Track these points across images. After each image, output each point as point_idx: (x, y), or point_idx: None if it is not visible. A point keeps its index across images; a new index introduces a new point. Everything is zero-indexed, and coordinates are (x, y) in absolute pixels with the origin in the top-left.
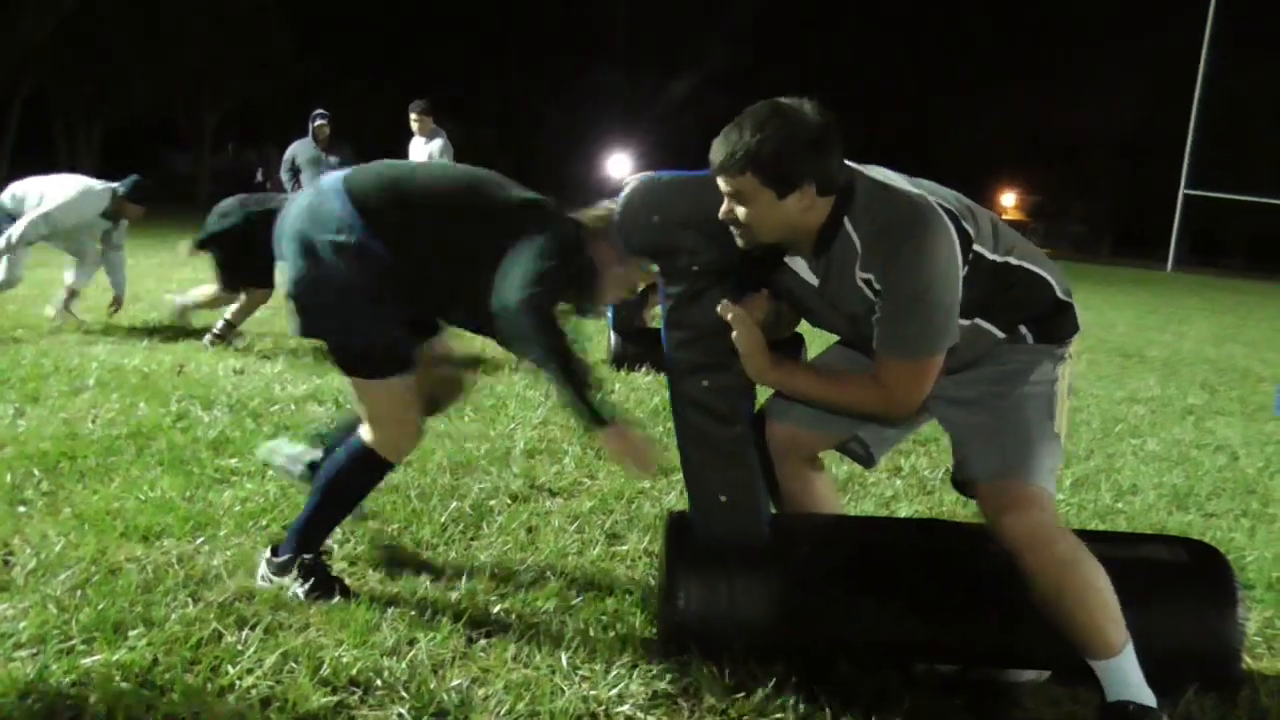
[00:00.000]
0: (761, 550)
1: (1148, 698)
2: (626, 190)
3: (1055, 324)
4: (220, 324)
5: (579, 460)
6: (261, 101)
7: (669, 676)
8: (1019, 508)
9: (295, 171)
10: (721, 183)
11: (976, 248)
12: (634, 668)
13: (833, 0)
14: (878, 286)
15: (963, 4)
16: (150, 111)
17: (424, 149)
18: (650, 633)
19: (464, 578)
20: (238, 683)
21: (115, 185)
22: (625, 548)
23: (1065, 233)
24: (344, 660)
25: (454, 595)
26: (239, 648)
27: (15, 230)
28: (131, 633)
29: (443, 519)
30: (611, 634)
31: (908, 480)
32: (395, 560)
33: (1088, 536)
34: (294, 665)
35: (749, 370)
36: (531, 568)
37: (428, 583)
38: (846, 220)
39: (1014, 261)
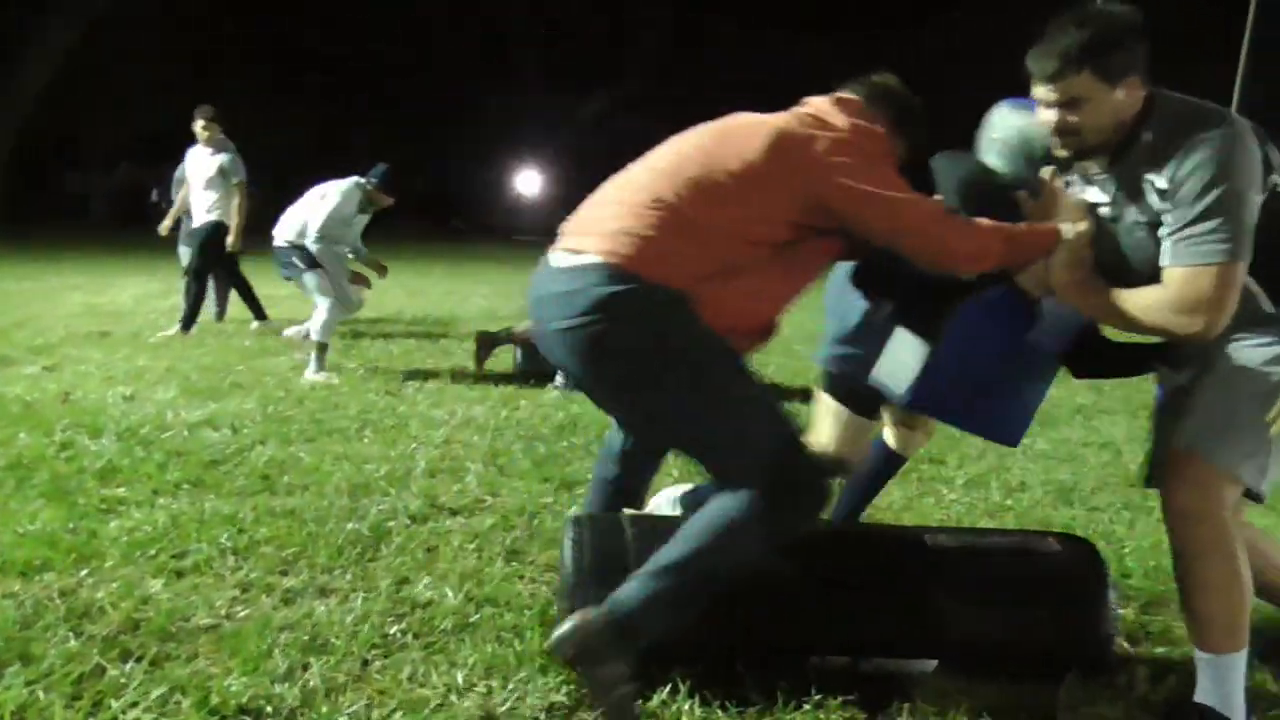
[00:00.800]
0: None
1: (1233, 710)
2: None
3: None
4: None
5: (481, 478)
6: (166, 121)
7: (566, 689)
8: (1184, 482)
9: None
10: (1051, 92)
11: (1275, 179)
12: (532, 682)
13: (750, 19)
14: (1165, 187)
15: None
16: (50, 130)
17: (209, 160)
18: (549, 646)
19: (360, 600)
20: (120, 717)
21: (361, 179)
22: (526, 563)
23: None
24: (233, 689)
25: (349, 618)
26: (123, 681)
27: (327, 266)
28: (8, 670)
29: (339, 542)
30: (510, 649)
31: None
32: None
33: (971, 534)
34: (180, 697)
35: (1067, 269)
36: (430, 587)
37: (322, 607)
38: (1144, 127)
39: None
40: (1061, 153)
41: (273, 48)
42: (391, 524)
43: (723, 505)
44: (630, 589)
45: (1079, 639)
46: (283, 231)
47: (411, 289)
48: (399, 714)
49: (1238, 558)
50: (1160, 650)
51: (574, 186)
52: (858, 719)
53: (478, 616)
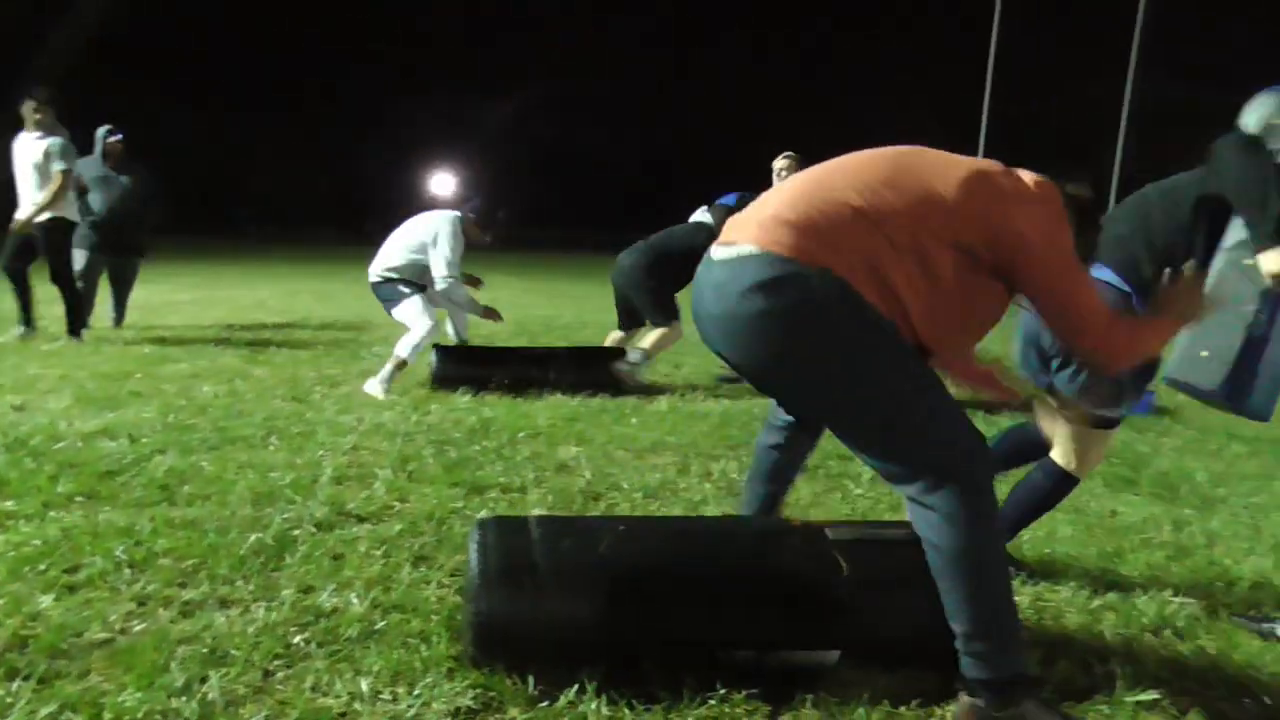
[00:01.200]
0: (564, 554)
1: None
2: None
3: None
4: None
5: (390, 484)
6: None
7: (472, 693)
8: None
9: (82, 192)
10: None
11: None
12: (439, 687)
13: (662, 25)
14: None
15: (779, 36)
16: None
17: (37, 145)
18: (456, 650)
19: (262, 610)
20: None
21: (458, 213)
22: (434, 568)
23: None
24: (127, 704)
25: (251, 629)
26: (9, 700)
27: (454, 294)
28: None
29: (242, 552)
30: (416, 655)
31: (717, 484)
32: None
33: (857, 526)
34: (71, 715)
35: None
36: (335, 595)
37: (223, 618)
38: None
39: None
40: None
41: (170, 47)
42: (297, 532)
43: (935, 529)
44: (967, 667)
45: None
46: (385, 264)
47: (320, 294)
48: None
49: None
50: (1051, 632)
51: (489, 188)
52: (762, 711)
53: (384, 623)
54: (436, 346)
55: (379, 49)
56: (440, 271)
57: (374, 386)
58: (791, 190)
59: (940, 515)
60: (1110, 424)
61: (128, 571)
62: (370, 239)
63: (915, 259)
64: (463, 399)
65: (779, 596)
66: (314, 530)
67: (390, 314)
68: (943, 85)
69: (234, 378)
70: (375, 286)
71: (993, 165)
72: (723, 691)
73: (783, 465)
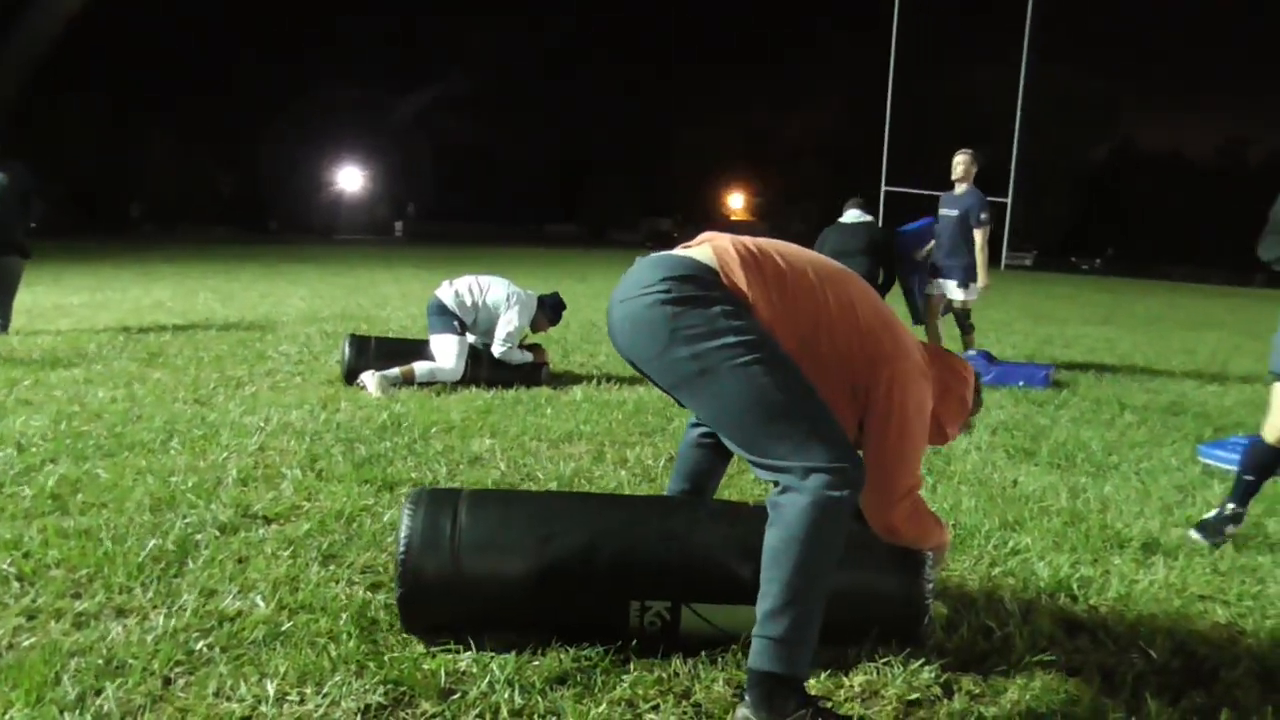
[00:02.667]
0: (489, 527)
1: None
2: None
3: None
4: None
5: (298, 484)
6: None
7: (382, 689)
8: None
9: None
10: None
11: None
12: (348, 685)
13: (574, 26)
14: None
15: (690, 26)
16: None
17: None
18: (365, 648)
19: (162, 617)
20: None
21: (544, 297)
22: (344, 566)
23: (789, 230)
24: None
25: (150, 637)
26: None
27: (510, 357)
28: None
29: (140, 559)
30: (325, 655)
31: (632, 470)
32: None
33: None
34: None
35: None
36: (239, 598)
37: (119, 628)
38: None
39: None
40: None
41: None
42: (199, 537)
43: (794, 511)
44: (758, 653)
45: (897, 604)
46: (458, 298)
47: (222, 294)
48: None
49: None
50: (955, 600)
51: (395, 184)
52: (675, 691)
53: (290, 624)
54: (350, 336)
55: (284, 38)
56: (500, 337)
57: (370, 380)
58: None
59: (808, 498)
60: None
61: (15, 585)
62: (277, 237)
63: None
64: (372, 396)
65: (693, 557)
66: (217, 534)
67: (430, 335)
68: (848, 76)
69: (131, 382)
70: (436, 306)
71: (909, 337)
72: (635, 674)
73: (703, 464)
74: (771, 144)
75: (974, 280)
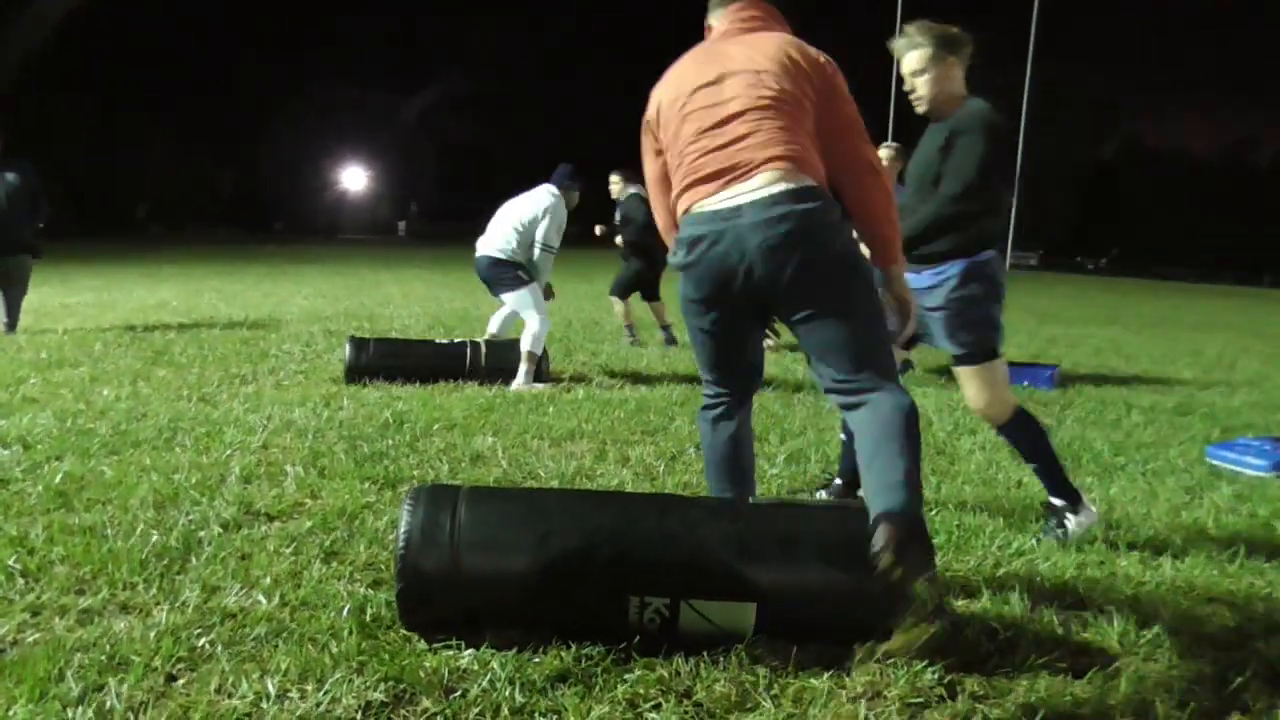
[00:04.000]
0: (488, 524)
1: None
2: None
3: None
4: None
5: (300, 481)
6: None
7: (383, 686)
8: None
9: None
10: None
11: None
12: (349, 682)
13: (575, 26)
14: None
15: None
16: None
17: None
18: (366, 645)
19: (165, 614)
20: None
21: (553, 187)
22: (346, 564)
23: None
24: (18, 717)
25: (153, 634)
26: None
27: (544, 264)
28: None
29: (143, 555)
30: (326, 652)
31: (634, 469)
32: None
33: (808, 508)
34: None
35: None
36: (242, 595)
37: (123, 624)
38: None
39: None
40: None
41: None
42: (202, 534)
43: (895, 407)
44: (894, 499)
45: (894, 601)
46: (498, 244)
47: (225, 293)
48: None
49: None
50: (959, 601)
51: (398, 184)
52: (676, 690)
53: (292, 621)
54: (351, 338)
55: (285, 38)
56: (547, 241)
57: (519, 385)
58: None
59: (891, 402)
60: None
61: (20, 581)
62: (281, 237)
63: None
64: (375, 393)
65: (700, 548)
66: (220, 531)
67: (498, 295)
68: (851, 77)
69: (136, 380)
70: (489, 265)
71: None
72: (637, 673)
73: (741, 449)
74: None
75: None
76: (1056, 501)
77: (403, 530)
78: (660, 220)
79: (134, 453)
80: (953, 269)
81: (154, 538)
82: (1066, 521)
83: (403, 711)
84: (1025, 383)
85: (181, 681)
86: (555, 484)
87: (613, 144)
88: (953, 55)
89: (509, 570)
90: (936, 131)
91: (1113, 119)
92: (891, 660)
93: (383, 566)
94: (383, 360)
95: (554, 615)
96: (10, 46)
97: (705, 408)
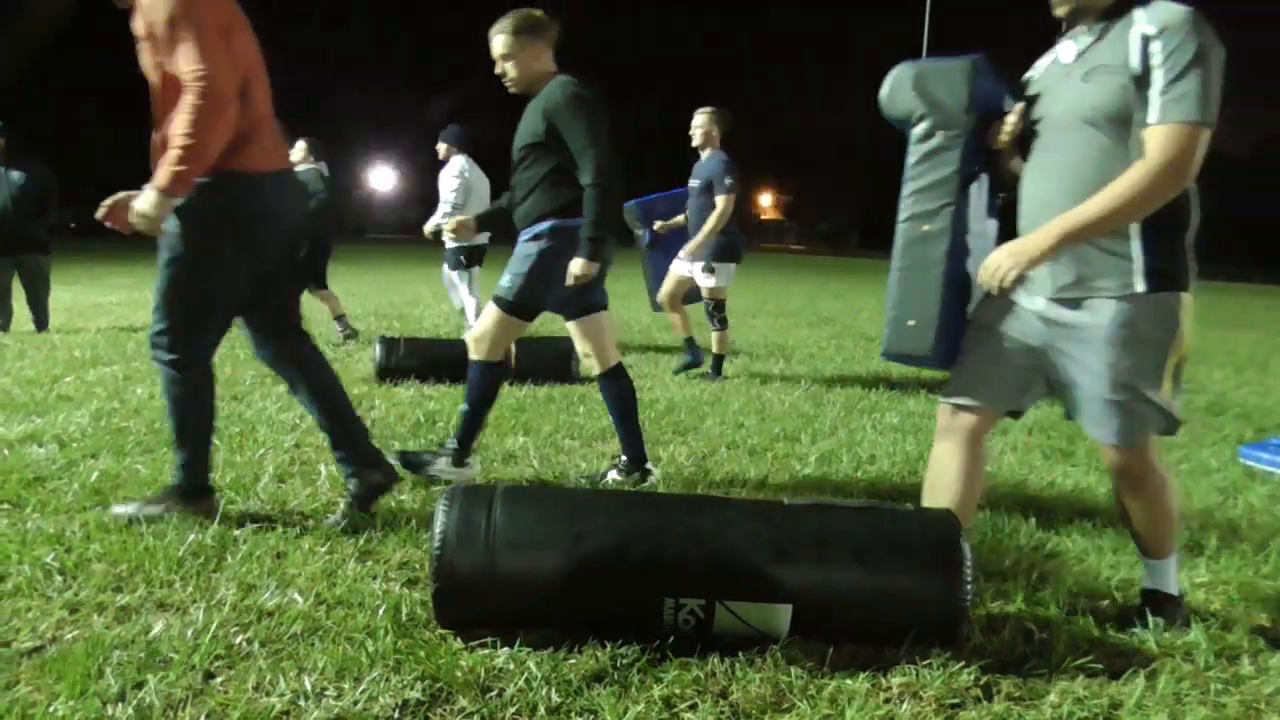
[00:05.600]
0: (523, 523)
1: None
2: (893, 70)
3: (1179, 262)
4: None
5: (334, 480)
6: None
7: (420, 685)
8: (1129, 467)
9: None
10: None
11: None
12: (385, 680)
13: (595, 27)
14: (1155, 43)
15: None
16: None
17: None
18: (402, 644)
19: (201, 612)
20: None
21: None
22: (380, 563)
23: (816, 230)
24: (59, 713)
25: (190, 631)
26: None
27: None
28: None
29: (179, 553)
30: (362, 650)
31: (665, 469)
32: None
33: (843, 509)
34: None
35: (1031, 252)
36: (277, 593)
37: (160, 622)
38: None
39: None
40: (1059, 10)
41: (81, 35)
42: (237, 532)
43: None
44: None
45: (935, 605)
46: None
47: None
48: None
49: (1173, 484)
50: (994, 602)
51: (426, 185)
52: (712, 691)
53: (328, 619)
54: (380, 337)
55: (311, 40)
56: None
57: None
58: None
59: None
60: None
61: (59, 579)
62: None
63: None
64: (407, 392)
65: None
66: (255, 529)
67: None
68: (878, 73)
69: None
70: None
71: None
72: (673, 673)
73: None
74: (800, 144)
75: (727, 259)
76: (630, 458)
77: (438, 530)
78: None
79: (168, 451)
80: (542, 227)
81: (190, 536)
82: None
83: (439, 710)
84: None
85: (219, 679)
86: (585, 484)
87: (640, 145)
88: (536, 39)
89: (544, 569)
90: (532, 109)
91: None
92: (927, 662)
93: (417, 566)
94: (413, 360)
95: (589, 615)
96: (13, 43)
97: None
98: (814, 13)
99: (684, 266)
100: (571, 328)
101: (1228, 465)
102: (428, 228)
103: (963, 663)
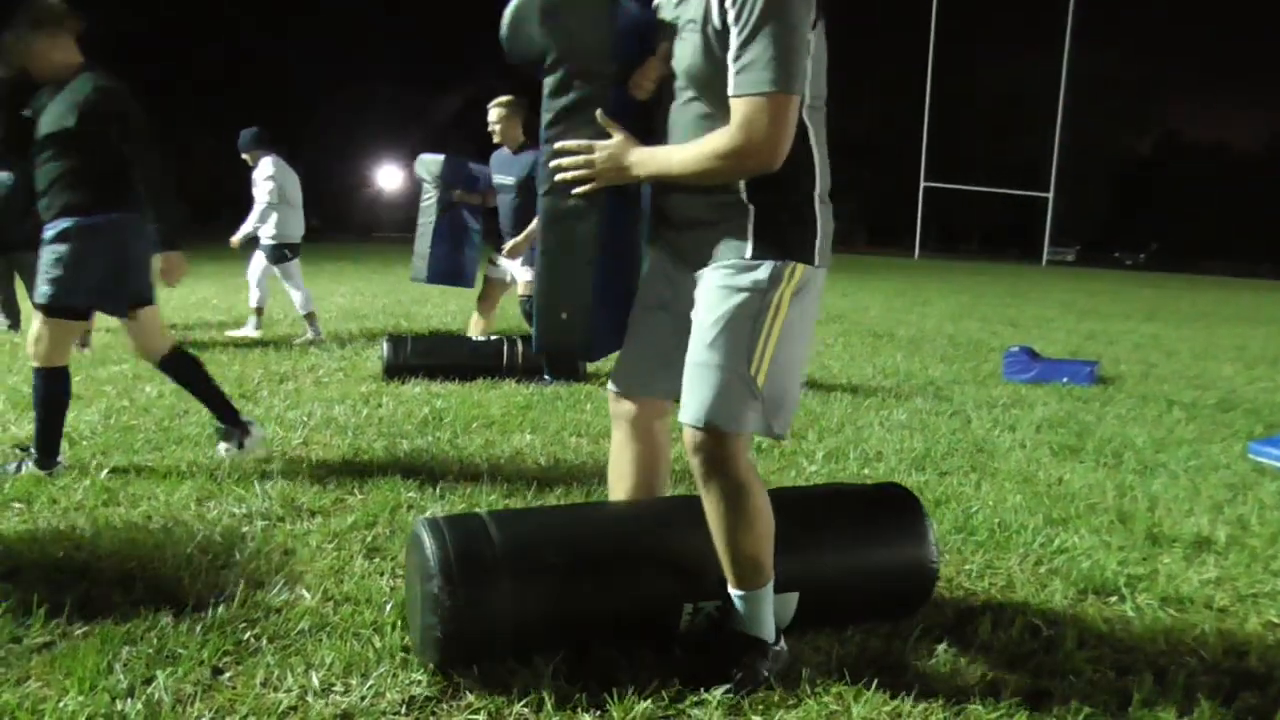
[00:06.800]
0: (520, 551)
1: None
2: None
3: (795, 234)
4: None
5: (341, 478)
6: None
7: (427, 680)
8: (694, 448)
9: None
10: None
11: (812, 38)
12: (393, 676)
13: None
14: (731, 6)
15: None
16: None
17: None
18: (410, 640)
19: (210, 608)
20: None
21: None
22: (387, 559)
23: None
24: (69, 709)
25: (199, 627)
26: None
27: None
28: None
29: (188, 550)
30: (370, 647)
31: (672, 466)
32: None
33: (800, 491)
34: None
35: (628, 167)
36: (285, 589)
37: (169, 617)
38: None
39: (807, 122)
40: None
41: (92, 38)
42: (245, 529)
43: None
44: None
45: (905, 575)
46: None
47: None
48: None
49: (764, 496)
50: (1002, 598)
51: None
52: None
53: (336, 616)
54: (388, 337)
55: (318, 38)
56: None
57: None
58: None
59: None
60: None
61: (69, 575)
62: (320, 235)
63: None
64: (414, 390)
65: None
66: (263, 526)
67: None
68: (885, 68)
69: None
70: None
71: None
72: (676, 669)
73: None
74: None
75: None
76: (226, 426)
77: (433, 563)
78: None
79: (177, 449)
80: (66, 224)
81: (199, 533)
82: (246, 441)
83: (446, 705)
84: (1065, 379)
85: (228, 675)
86: (594, 481)
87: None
88: (52, 29)
89: (560, 594)
90: (61, 100)
91: (1152, 111)
92: (934, 658)
93: None
94: (421, 358)
95: (607, 634)
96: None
97: None
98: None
99: (502, 271)
100: (126, 324)
101: (1237, 461)
102: (235, 240)
103: (970, 659)
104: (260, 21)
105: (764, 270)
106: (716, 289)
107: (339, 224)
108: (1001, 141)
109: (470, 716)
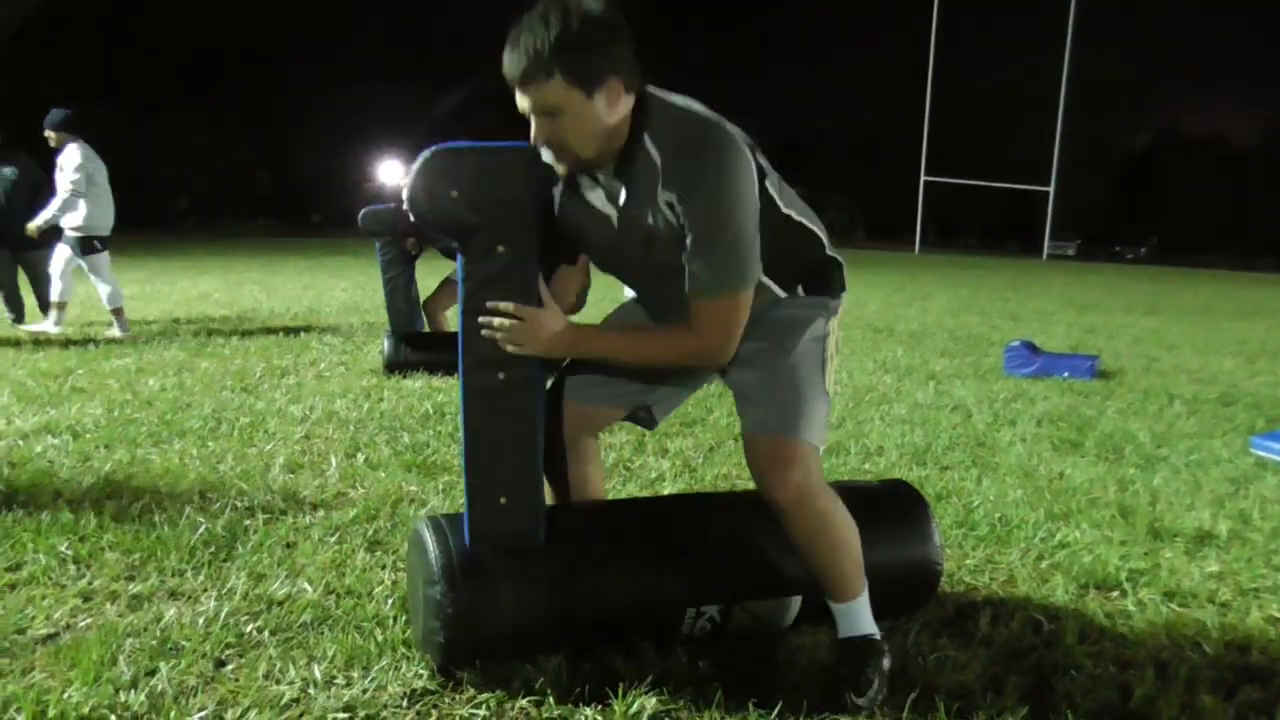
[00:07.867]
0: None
1: (873, 631)
2: (420, 162)
3: (827, 279)
4: None
5: (343, 471)
6: None
7: (428, 673)
8: (786, 464)
9: None
10: (527, 100)
11: (769, 187)
12: (395, 669)
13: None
14: (680, 209)
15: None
16: None
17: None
18: (412, 633)
19: (213, 600)
20: None
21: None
22: (389, 553)
23: (824, 222)
24: (73, 700)
25: (201, 620)
26: None
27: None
28: None
29: (191, 543)
30: (371, 640)
31: (673, 460)
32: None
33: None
34: (14, 713)
35: (554, 347)
36: (287, 582)
37: (172, 610)
38: (646, 136)
39: (795, 216)
40: (559, 168)
41: (91, 35)
42: (248, 522)
43: None
44: None
45: (908, 574)
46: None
47: (266, 285)
48: (253, 713)
49: (843, 506)
50: (1003, 593)
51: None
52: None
53: (338, 609)
54: (388, 332)
55: (321, 34)
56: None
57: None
58: None
59: None
60: None
61: (72, 567)
62: (319, 230)
63: None
64: (415, 384)
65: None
66: (265, 519)
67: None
68: (885, 64)
69: (180, 371)
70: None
71: None
72: (685, 667)
73: None
74: (807, 136)
75: None
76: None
77: (435, 566)
78: None
79: (180, 442)
80: None
81: (201, 526)
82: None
83: (448, 699)
84: (1065, 374)
85: (230, 667)
86: None
87: None
88: None
89: (560, 597)
90: None
91: (1152, 105)
92: (936, 654)
93: None
94: (421, 353)
95: (609, 637)
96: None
97: None
98: (820, 5)
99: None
100: None
101: (1238, 455)
102: (32, 226)
103: (971, 654)
104: (261, 12)
105: (819, 301)
106: (785, 315)
107: (341, 218)
108: (1001, 136)
109: (472, 710)
